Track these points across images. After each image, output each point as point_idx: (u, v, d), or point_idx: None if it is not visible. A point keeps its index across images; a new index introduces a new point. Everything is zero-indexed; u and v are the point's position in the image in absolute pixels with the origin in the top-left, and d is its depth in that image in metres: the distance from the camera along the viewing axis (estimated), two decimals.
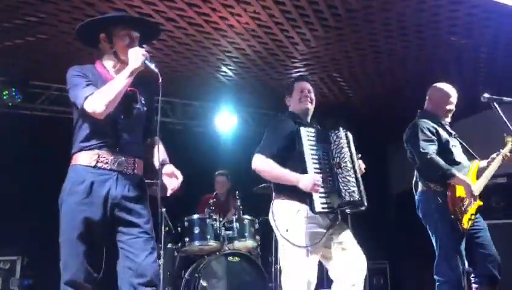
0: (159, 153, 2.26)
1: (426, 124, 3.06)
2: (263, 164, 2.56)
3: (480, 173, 3.10)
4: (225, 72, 5.16)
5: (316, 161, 2.53)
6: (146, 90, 2.32)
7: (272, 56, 4.78)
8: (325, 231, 2.52)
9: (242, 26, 4.15)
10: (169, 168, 2.22)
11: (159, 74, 2.12)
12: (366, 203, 2.59)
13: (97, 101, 2.05)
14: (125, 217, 2.12)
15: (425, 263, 5.52)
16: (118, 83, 2.09)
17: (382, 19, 4.09)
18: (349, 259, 2.54)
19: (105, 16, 2.38)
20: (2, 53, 4.53)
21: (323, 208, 2.47)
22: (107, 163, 2.12)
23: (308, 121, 2.80)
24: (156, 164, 2.29)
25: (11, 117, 4.96)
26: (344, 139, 2.62)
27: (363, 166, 2.74)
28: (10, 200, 4.72)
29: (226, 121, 6.01)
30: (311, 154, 2.54)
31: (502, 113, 3.02)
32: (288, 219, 2.54)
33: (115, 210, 2.11)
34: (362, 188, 2.59)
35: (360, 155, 2.73)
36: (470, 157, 3.19)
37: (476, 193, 2.95)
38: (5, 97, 4.74)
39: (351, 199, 2.49)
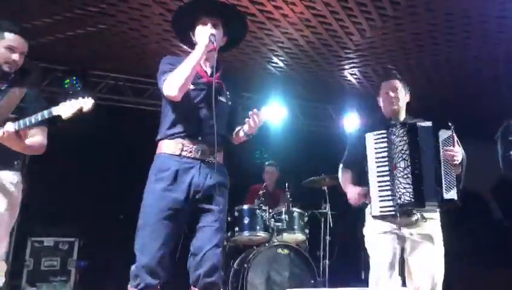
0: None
1: None
2: (340, 175, 2.87)
3: None
4: (276, 63, 5.12)
5: (380, 165, 2.56)
6: (232, 86, 2.38)
7: (325, 47, 4.68)
8: (395, 227, 2.56)
9: (296, 15, 4.09)
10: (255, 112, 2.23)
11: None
12: (430, 202, 2.47)
13: (171, 84, 2.14)
14: (205, 205, 2.19)
15: (480, 265, 5.33)
16: (187, 64, 2.15)
17: (444, 8, 3.89)
18: (424, 267, 2.52)
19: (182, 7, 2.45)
20: (64, 43, 4.71)
21: (381, 211, 2.52)
22: (191, 152, 2.19)
23: (402, 118, 2.73)
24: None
25: None
26: (403, 136, 2.52)
27: (454, 155, 2.49)
28: (70, 184, 4.95)
29: (275, 113, 5.97)
30: (376, 159, 2.57)
31: None
32: (366, 222, 2.72)
33: (196, 197, 2.17)
34: (428, 185, 2.46)
35: (450, 149, 2.50)
36: None
37: None
38: (66, 86, 4.93)
39: (400, 202, 2.47)
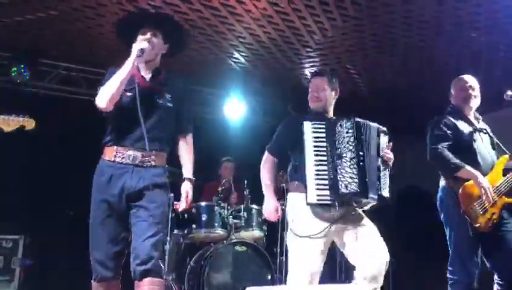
0: (185, 159, 2.54)
1: (445, 118, 2.99)
2: (262, 164, 2.79)
3: (508, 170, 2.96)
4: (237, 58, 5.07)
5: (318, 153, 2.56)
6: (175, 89, 2.50)
7: (287, 44, 4.68)
8: (328, 223, 2.51)
9: (259, 11, 4.05)
10: (184, 187, 2.49)
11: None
12: (373, 195, 2.53)
13: (100, 96, 2.31)
14: (138, 203, 2.31)
15: (426, 260, 5.55)
16: (116, 78, 2.31)
17: (402, 11, 3.99)
18: (366, 251, 2.49)
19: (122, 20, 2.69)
20: (11, 28, 4.43)
21: (318, 199, 2.51)
22: (123, 158, 2.33)
23: (329, 114, 2.76)
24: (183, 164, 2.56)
25: (18, 94, 4.86)
26: (350, 129, 2.56)
27: (389, 156, 2.67)
28: (14, 180, 4.66)
29: (235, 109, 5.92)
30: (314, 147, 2.57)
31: None
32: (294, 209, 2.63)
33: (129, 200, 2.30)
34: (372, 179, 2.54)
35: (390, 143, 2.66)
36: (501, 153, 3.06)
37: (487, 186, 2.78)
38: (13, 74, 4.64)
39: (346, 191, 2.48)
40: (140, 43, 2.35)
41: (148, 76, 2.46)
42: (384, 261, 2.48)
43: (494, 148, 3.07)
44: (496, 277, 2.89)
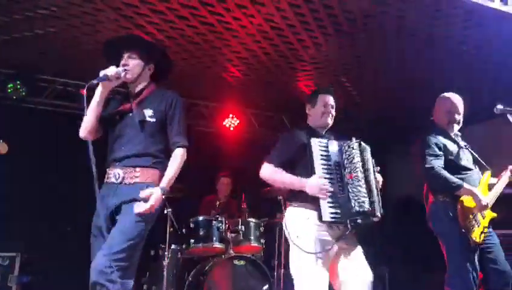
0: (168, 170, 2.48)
1: (435, 139, 3.10)
2: (271, 173, 2.64)
3: (492, 185, 3.11)
4: (233, 72, 5.12)
5: (326, 171, 2.55)
6: (156, 102, 2.54)
7: (282, 58, 4.74)
8: (334, 240, 2.53)
9: (254, 27, 4.11)
10: (151, 191, 2.38)
11: None
12: (379, 214, 2.57)
13: (81, 127, 2.44)
14: (116, 218, 2.36)
15: (423, 269, 5.58)
16: (89, 110, 2.41)
17: (396, 26, 4.07)
18: (354, 270, 2.54)
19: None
20: (10, 45, 4.44)
21: (331, 217, 2.48)
22: (110, 178, 2.42)
23: (324, 133, 2.80)
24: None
25: (15, 111, 4.87)
26: (356, 149, 2.60)
27: (380, 179, 2.72)
28: (12, 197, 4.64)
29: (231, 122, 5.96)
30: (322, 165, 2.56)
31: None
32: (298, 225, 2.57)
33: (113, 218, 2.37)
34: (376, 199, 2.58)
35: (378, 168, 2.71)
36: (482, 168, 3.19)
37: (485, 202, 2.93)
38: (9, 90, 4.65)
39: (361, 210, 2.48)
40: (108, 69, 2.43)
41: (133, 96, 2.57)
42: (368, 282, 2.53)
43: (476, 163, 3.18)
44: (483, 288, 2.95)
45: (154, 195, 2.34)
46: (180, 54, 4.62)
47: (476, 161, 3.19)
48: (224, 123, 6.00)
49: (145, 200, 2.32)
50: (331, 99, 2.82)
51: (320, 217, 2.47)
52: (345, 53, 4.61)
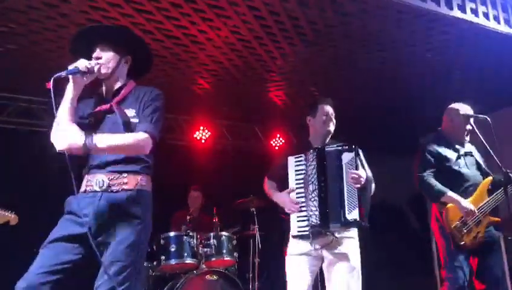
0: None
1: (429, 146, 3.22)
2: (265, 186, 2.98)
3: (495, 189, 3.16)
4: (202, 84, 5.08)
5: (297, 186, 2.72)
6: (137, 102, 2.23)
7: (251, 70, 4.74)
8: (318, 250, 2.65)
9: (221, 39, 4.10)
10: None
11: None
12: (333, 224, 2.60)
13: (53, 140, 2.06)
14: (103, 238, 2.05)
15: (401, 274, 5.62)
16: (58, 114, 2.06)
17: (360, 36, 4.12)
18: (334, 280, 2.62)
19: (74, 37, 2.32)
20: None
21: (298, 231, 2.66)
22: (91, 185, 2.10)
23: (327, 141, 2.89)
24: None
25: None
26: (313, 161, 2.68)
27: (355, 175, 2.62)
28: None
29: (202, 134, 5.91)
30: (295, 180, 2.72)
31: (477, 131, 3.15)
32: (287, 235, 2.80)
33: (93, 232, 2.02)
34: (332, 209, 2.59)
35: (356, 172, 2.66)
36: (486, 173, 3.26)
37: (469, 209, 3.00)
38: None
39: (312, 224, 2.61)
40: (78, 61, 2.08)
41: (109, 96, 2.26)
42: None
43: (480, 169, 3.24)
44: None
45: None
46: None
47: (479, 167, 3.26)
48: (195, 136, 5.94)
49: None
50: (330, 109, 2.94)
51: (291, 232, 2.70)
52: (312, 63, 4.64)
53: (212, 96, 5.40)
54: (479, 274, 3.05)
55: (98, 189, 2.08)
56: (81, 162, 2.19)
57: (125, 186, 2.09)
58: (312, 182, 2.64)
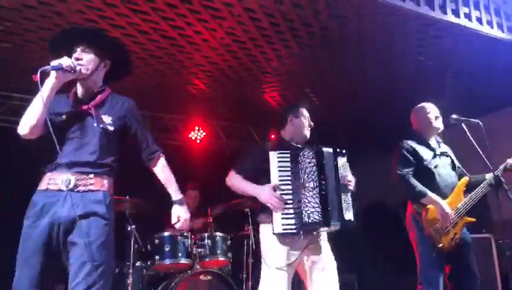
0: (165, 181, 2.46)
1: (406, 144, 3.20)
2: (232, 179, 2.80)
3: (470, 189, 3.17)
4: (197, 85, 5.10)
5: (284, 183, 2.63)
6: (114, 110, 2.32)
7: (246, 71, 4.76)
8: (299, 252, 2.60)
9: (217, 40, 4.11)
10: (174, 212, 2.44)
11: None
12: (333, 222, 2.61)
13: (21, 123, 2.11)
14: (71, 238, 2.08)
15: (392, 274, 5.66)
16: (34, 102, 2.11)
17: (355, 38, 4.15)
18: (321, 282, 2.61)
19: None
20: None
21: (284, 229, 2.57)
22: (56, 184, 2.13)
23: (301, 145, 2.86)
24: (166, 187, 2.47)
25: None
26: (312, 159, 2.66)
27: (348, 179, 2.73)
28: None
29: (197, 135, 5.93)
30: (280, 177, 2.64)
31: (469, 134, 3.17)
32: (265, 240, 2.70)
33: (61, 231, 2.08)
34: (333, 206, 2.61)
35: (348, 175, 2.72)
36: (461, 174, 3.28)
37: (447, 212, 3.00)
38: None
39: (309, 221, 2.56)
40: (62, 59, 2.13)
41: (86, 98, 2.29)
42: None
43: (454, 169, 3.25)
44: None
45: (181, 213, 2.44)
46: (141, 67, 4.57)
47: (454, 167, 3.27)
48: (190, 136, 5.95)
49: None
50: (308, 114, 2.95)
51: (272, 229, 2.58)
52: (307, 64, 4.67)
53: (208, 97, 5.42)
54: (452, 276, 3.04)
55: (64, 188, 2.11)
56: (44, 161, 2.23)
57: (91, 187, 2.15)
58: (313, 179, 2.61)
